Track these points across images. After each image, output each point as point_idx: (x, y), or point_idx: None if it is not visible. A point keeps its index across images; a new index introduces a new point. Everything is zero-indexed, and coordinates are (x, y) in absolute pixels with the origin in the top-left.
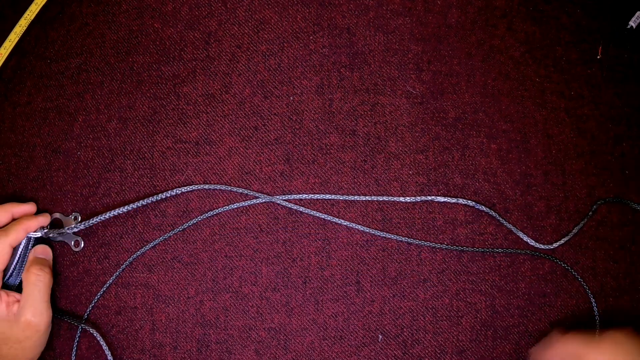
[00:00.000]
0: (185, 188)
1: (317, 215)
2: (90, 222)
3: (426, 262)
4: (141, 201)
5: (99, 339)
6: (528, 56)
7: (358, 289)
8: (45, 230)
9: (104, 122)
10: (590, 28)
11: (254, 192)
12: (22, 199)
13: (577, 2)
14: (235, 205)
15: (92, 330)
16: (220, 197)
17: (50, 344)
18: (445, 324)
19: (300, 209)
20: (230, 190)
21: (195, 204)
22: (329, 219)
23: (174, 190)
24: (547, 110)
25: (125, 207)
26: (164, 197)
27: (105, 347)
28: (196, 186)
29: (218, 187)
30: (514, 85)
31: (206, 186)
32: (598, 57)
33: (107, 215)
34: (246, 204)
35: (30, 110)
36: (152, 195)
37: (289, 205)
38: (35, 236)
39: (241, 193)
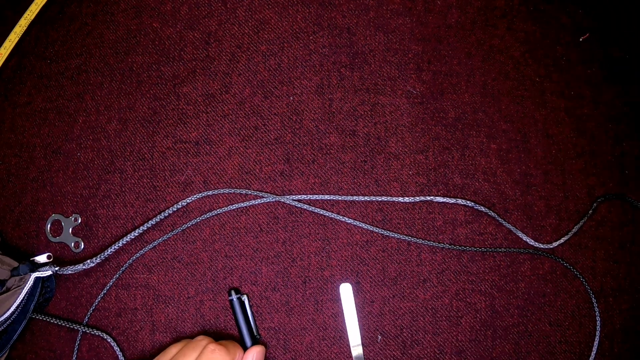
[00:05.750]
0: (190, 198)
1: (326, 214)
2: (105, 254)
3: (426, 262)
4: (151, 221)
5: (109, 341)
6: (528, 56)
7: (358, 290)
8: (56, 268)
9: (104, 123)
10: (590, 28)
11: (257, 192)
12: (22, 199)
13: (577, 2)
14: (234, 206)
15: (104, 335)
16: (220, 197)
17: (50, 346)
18: (444, 324)
19: (311, 209)
20: (233, 192)
21: (195, 204)
22: (341, 219)
23: (180, 203)
24: (547, 110)
25: (136, 231)
26: (173, 210)
27: (118, 351)
28: (200, 194)
29: (220, 191)
30: (514, 85)
31: (210, 192)
32: (580, 39)
33: (121, 242)
34: (247, 204)
35: (30, 111)
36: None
37: (294, 204)
38: (45, 275)
39: (240, 193)
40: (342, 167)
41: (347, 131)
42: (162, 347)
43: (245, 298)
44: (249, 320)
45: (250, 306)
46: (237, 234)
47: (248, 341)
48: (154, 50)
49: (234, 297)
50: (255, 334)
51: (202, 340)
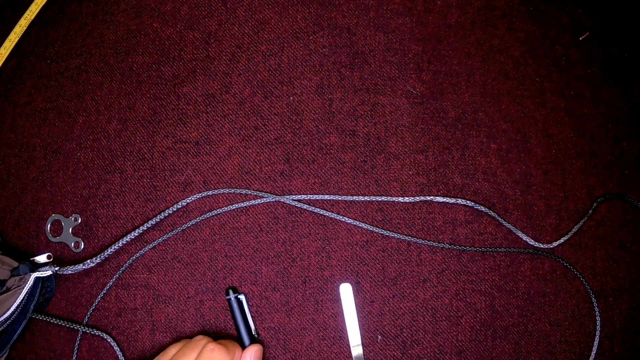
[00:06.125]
0: (190, 198)
1: (326, 214)
2: (105, 254)
3: (426, 262)
4: (151, 221)
5: (109, 341)
6: (528, 56)
7: (358, 290)
8: (56, 268)
9: (104, 123)
10: (590, 28)
11: (257, 192)
12: (22, 199)
13: (577, 2)
14: (234, 206)
15: (104, 335)
16: (220, 197)
17: (50, 346)
18: (444, 324)
19: (310, 209)
20: (233, 192)
21: (195, 204)
22: (341, 219)
23: (180, 203)
24: (547, 109)
25: (136, 231)
26: (173, 210)
27: (118, 350)
28: (200, 194)
29: (220, 191)
30: (514, 85)
31: (210, 192)
32: (580, 38)
33: (121, 242)
34: (247, 204)
35: (30, 111)
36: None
37: (294, 204)
38: (45, 275)
39: (240, 193)
40: (342, 167)
41: (347, 131)
42: (162, 347)
43: (242, 297)
44: (247, 320)
45: (249, 305)
46: (237, 234)
47: (246, 340)
48: (154, 50)
49: (232, 296)
50: (254, 333)
51: (201, 340)
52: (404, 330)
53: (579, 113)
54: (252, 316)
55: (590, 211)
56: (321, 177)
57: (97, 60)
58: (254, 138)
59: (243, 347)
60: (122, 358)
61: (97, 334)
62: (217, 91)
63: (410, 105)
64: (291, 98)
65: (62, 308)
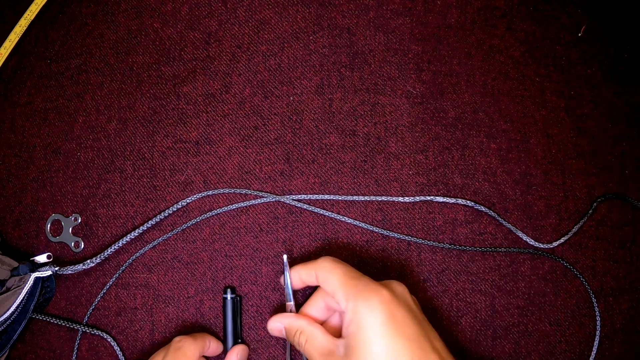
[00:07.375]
0: (190, 198)
1: (326, 214)
2: (105, 254)
3: (426, 262)
4: (151, 221)
5: (109, 340)
6: (528, 56)
7: None
8: (56, 268)
9: (104, 122)
10: (590, 27)
11: (257, 192)
12: (22, 199)
13: (576, 2)
14: (234, 206)
15: (103, 334)
16: (220, 197)
17: (50, 346)
18: (444, 324)
19: (310, 208)
20: (233, 192)
21: (195, 204)
22: (341, 219)
23: (180, 203)
24: (547, 109)
25: (136, 231)
26: (173, 210)
27: (118, 350)
28: (200, 194)
29: (220, 191)
30: (514, 85)
31: (210, 192)
32: (579, 34)
33: (121, 242)
34: (247, 204)
35: (30, 111)
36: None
37: (294, 204)
38: (45, 275)
39: (240, 193)
40: (342, 167)
41: (347, 131)
42: (162, 347)
43: (239, 299)
44: (237, 321)
45: (241, 309)
46: (237, 233)
47: (230, 339)
48: (155, 50)
49: (229, 296)
50: (239, 336)
51: (172, 340)
52: None
53: (579, 113)
54: (241, 319)
55: (590, 211)
56: (321, 177)
57: (97, 60)
58: (254, 138)
59: (225, 346)
60: (122, 358)
61: (97, 333)
62: (217, 91)
63: (410, 105)
64: (291, 98)
65: (62, 308)
